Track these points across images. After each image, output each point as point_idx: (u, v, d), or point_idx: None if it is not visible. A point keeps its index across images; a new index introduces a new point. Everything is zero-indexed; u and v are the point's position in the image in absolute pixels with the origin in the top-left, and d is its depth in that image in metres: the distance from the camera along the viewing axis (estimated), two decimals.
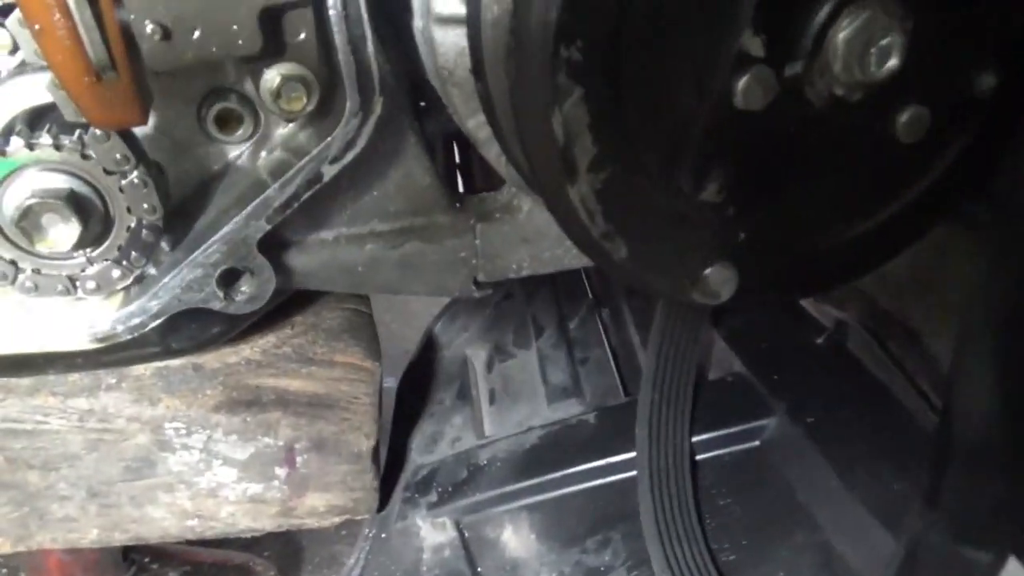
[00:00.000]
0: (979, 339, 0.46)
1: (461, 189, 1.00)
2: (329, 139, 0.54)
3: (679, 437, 0.84)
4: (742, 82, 0.38)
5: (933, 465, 0.46)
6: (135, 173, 0.53)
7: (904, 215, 0.49)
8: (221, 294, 0.57)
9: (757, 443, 0.86)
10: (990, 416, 0.43)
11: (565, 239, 0.67)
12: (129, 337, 0.62)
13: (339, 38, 0.52)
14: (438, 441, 1.07)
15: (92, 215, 0.54)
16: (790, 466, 0.82)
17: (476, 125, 0.53)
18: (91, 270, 0.59)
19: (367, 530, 1.02)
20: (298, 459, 0.91)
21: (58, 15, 0.45)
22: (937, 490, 0.46)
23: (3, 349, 0.72)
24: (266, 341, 0.91)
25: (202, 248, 0.55)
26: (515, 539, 0.91)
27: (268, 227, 0.56)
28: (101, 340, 0.65)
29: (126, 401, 0.83)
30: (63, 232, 0.52)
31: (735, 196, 0.42)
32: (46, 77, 0.50)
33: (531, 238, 0.66)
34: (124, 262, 0.57)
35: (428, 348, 1.22)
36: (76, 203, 0.52)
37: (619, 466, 0.90)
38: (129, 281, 0.59)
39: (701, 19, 0.37)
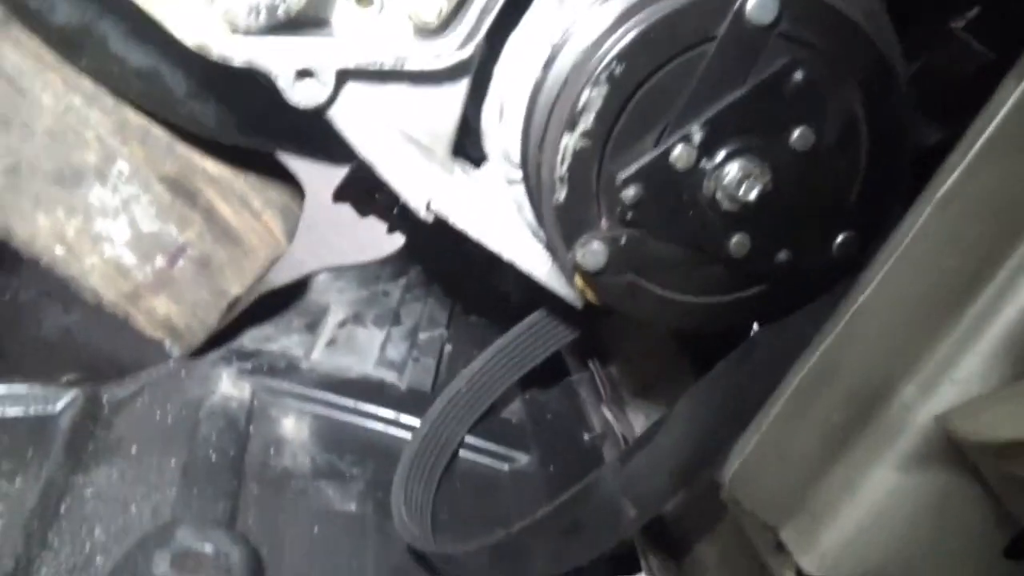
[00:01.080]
0: None
1: None
2: None
3: (459, 425, 1.05)
4: (676, 149, 0.67)
5: None
6: None
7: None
8: None
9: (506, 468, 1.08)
10: None
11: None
12: None
13: None
14: (270, 341, 1.22)
15: None
16: (517, 497, 1.05)
17: None
18: None
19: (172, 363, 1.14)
20: (179, 262, 1.06)
21: None
22: None
23: None
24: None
25: None
26: (290, 428, 1.07)
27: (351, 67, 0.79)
28: None
29: (106, 126, 0.98)
30: None
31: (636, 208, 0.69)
32: None
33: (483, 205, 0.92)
34: None
35: (301, 284, 1.39)
36: None
37: (403, 426, 1.09)
38: None
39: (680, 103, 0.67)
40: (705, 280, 0.75)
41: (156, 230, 1.04)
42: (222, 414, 1.04)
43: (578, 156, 0.68)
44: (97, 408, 1.03)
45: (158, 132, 1.01)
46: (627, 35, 0.66)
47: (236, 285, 1.09)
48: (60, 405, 1.01)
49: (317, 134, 1.10)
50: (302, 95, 0.79)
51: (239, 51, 0.76)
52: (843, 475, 0.61)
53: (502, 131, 0.85)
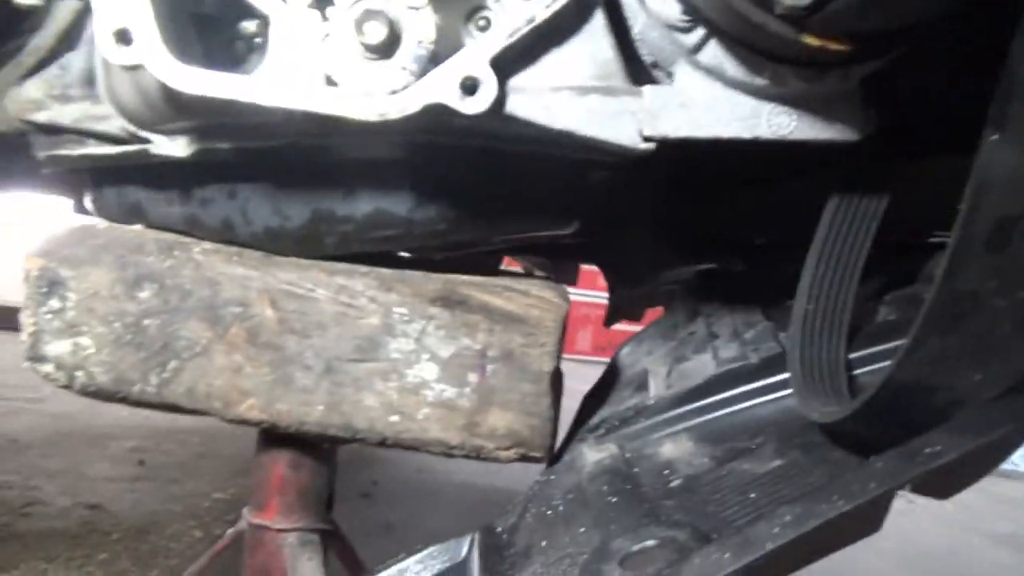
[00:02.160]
0: None
1: None
2: None
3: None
4: None
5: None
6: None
7: None
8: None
9: None
10: None
11: (715, 108, 0.88)
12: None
13: None
14: (611, 416, 1.18)
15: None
16: None
17: None
18: None
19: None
20: (488, 367, 1.08)
21: None
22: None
23: None
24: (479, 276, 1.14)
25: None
26: (672, 450, 0.99)
27: (497, 50, 0.83)
28: None
29: (371, 285, 1.09)
30: None
31: None
32: None
33: (687, 104, 0.87)
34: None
35: (612, 369, 1.36)
36: None
37: (776, 386, 0.97)
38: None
39: None
40: None
41: (454, 350, 1.08)
42: (602, 472, 0.99)
43: None
44: (495, 538, 1.02)
45: (412, 271, 1.10)
46: None
47: (546, 361, 1.09)
48: (463, 551, 1.01)
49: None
50: (474, 105, 0.84)
51: (412, 100, 0.83)
52: None
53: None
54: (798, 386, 0.85)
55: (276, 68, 0.88)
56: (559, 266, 1.87)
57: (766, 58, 0.80)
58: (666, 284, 1.61)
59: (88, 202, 1.21)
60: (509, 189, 1.09)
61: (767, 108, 0.86)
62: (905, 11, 0.65)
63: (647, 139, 0.87)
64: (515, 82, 0.86)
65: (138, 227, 1.16)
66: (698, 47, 0.83)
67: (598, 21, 0.88)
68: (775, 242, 1.40)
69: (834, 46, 0.68)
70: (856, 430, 0.72)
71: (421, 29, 0.83)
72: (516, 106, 0.86)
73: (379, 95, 0.83)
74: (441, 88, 0.83)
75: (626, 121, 0.87)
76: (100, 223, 1.19)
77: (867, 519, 0.58)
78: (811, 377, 0.83)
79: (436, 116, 0.84)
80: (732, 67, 0.83)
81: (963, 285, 0.54)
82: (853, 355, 0.91)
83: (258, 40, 0.94)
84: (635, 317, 1.90)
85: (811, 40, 0.68)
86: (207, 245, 1.12)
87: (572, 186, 1.12)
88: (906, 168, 1.01)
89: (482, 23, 0.89)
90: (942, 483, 0.59)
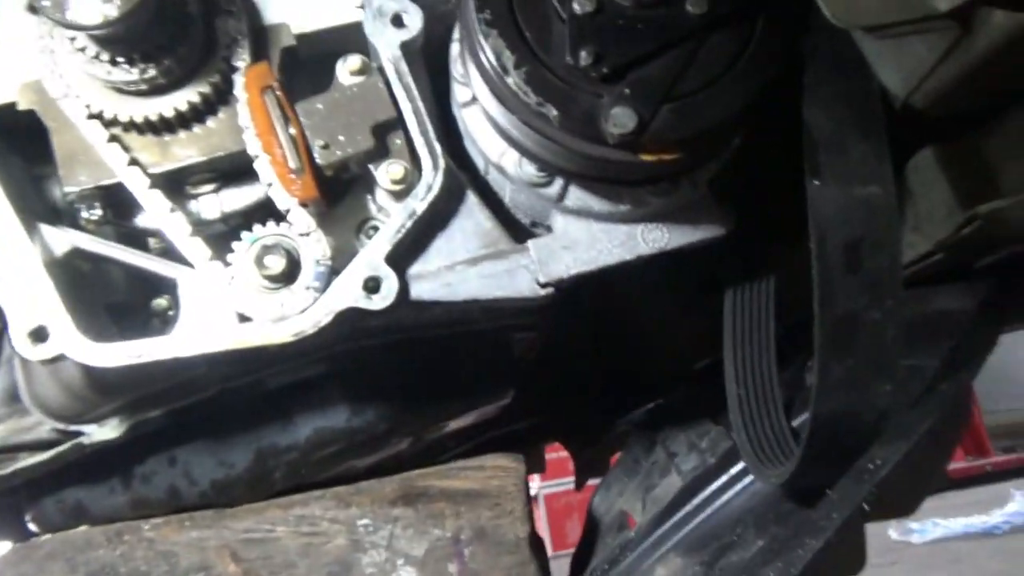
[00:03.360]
0: None
1: None
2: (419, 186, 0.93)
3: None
4: (575, 4, 0.77)
5: None
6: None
7: None
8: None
9: None
10: None
11: (595, 242, 0.97)
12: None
13: (417, 140, 0.94)
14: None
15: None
16: None
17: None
18: None
19: None
20: (465, 552, 1.08)
21: (276, 148, 0.91)
22: None
23: None
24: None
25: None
26: (664, 570, 0.99)
27: (389, 247, 0.92)
28: None
29: (329, 506, 1.08)
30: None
31: (603, 61, 0.76)
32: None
33: (570, 246, 0.97)
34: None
35: (589, 522, 1.36)
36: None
37: (739, 475, 1.00)
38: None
39: None
40: (713, 56, 0.79)
41: (427, 545, 1.07)
42: None
43: (531, 81, 0.77)
44: None
45: (363, 481, 1.10)
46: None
47: (519, 526, 1.09)
48: None
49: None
50: (381, 300, 0.91)
51: (323, 312, 0.90)
52: None
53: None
54: (752, 463, 0.89)
55: (191, 322, 0.94)
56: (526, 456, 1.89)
57: (623, 186, 0.91)
58: (620, 430, 1.65)
59: (28, 520, 1.19)
60: (439, 374, 1.14)
61: (640, 228, 0.97)
62: (710, 115, 0.77)
63: (544, 285, 0.96)
64: (413, 271, 0.95)
65: (83, 528, 1.14)
66: (562, 195, 0.94)
67: (471, 200, 0.98)
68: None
69: (668, 157, 0.79)
70: (813, 480, 0.75)
71: (316, 250, 0.92)
72: (420, 291, 0.94)
73: (291, 317, 0.89)
74: (347, 294, 0.90)
75: (520, 275, 0.95)
76: (43, 537, 1.16)
77: (847, 554, 0.61)
78: (761, 451, 0.87)
79: (350, 321, 0.91)
80: (597, 203, 0.94)
81: (839, 309, 0.61)
82: (795, 422, 0.96)
83: (171, 312, 1.01)
84: (602, 471, 1.91)
85: (648, 158, 0.79)
86: (156, 520, 1.11)
87: (499, 356, 1.18)
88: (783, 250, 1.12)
89: (371, 232, 0.98)
90: (897, 497, 0.62)
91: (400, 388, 1.08)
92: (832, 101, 0.67)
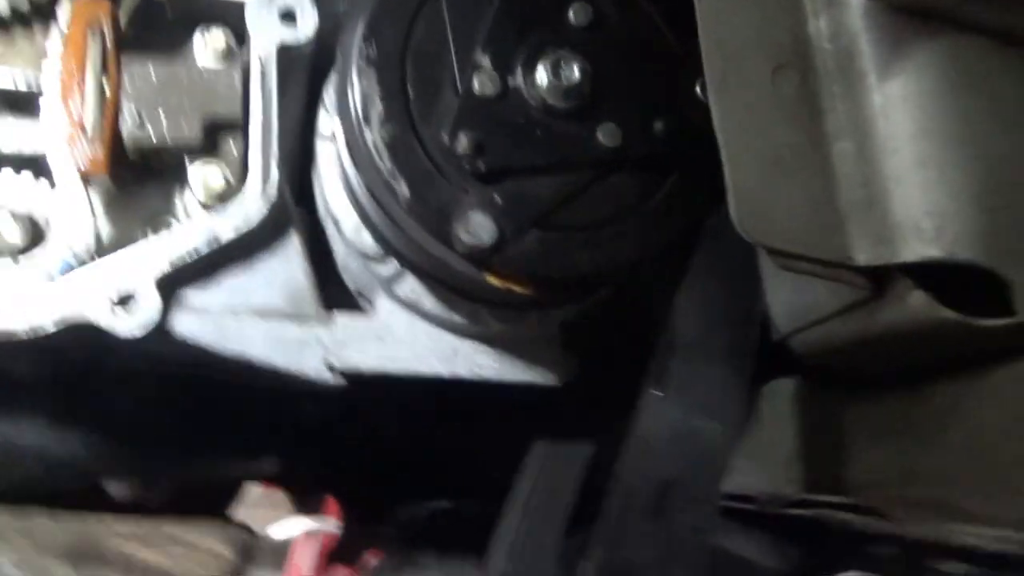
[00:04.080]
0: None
1: None
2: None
3: None
4: (475, 81, 0.64)
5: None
6: None
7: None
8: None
9: None
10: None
11: (413, 343, 0.83)
12: None
13: (254, 154, 0.78)
14: None
15: None
16: None
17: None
18: None
19: None
20: None
21: (76, 98, 0.73)
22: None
23: None
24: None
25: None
26: None
27: (167, 268, 0.74)
28: None
29: None
30: None
31: (483, 155, 0.63)
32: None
33: (383, 337, 0.82)
34: None
35: None
36: None
37: None
38: None
39: (451, 45, 0.64)
40: (607, 197, 0.68)
41: None
42: None
43: (392, 145, 0.64)
44: None
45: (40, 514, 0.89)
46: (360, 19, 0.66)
47: None
48: None
49: None
50: (129, 325, 0.73)
51: (47, 315, 0.71)
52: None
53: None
54: None
55: None
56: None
57: (461, 296, 0.78)
58: (398, 526, 1.49)
59: None
60: (193, 421, 0.96)
61: (467, 346, 0.84)
62: (581, 261, 0.66)
63: (333, 370, 0.80)
64: (188, 300, 0.77)
65: None
66: (394, 279, 0.80)
67: (293, 245, 0.82)
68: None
69: (518, 288, 0.67)
70: None
71: (74, 235, 0.73)
72: (186, 326, 0.76)
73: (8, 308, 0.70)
74: (86, 303, 0.71)
75: (311, 350, 0.80)
76: None
77: None
78: None
79: (85, 338, 0.72)
80: (430, 302, 0.80)
81: (622, 554, 0.50)
82: None
83: None
84: (351, 559, 1.73)
85: (494, 281, 0.66)
86: None
87: (275, 423, 1.01)
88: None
89: (163, 229, 0.80)
90: None
91: (130, 426, 0.89)
92: (708, 306, 0.58)
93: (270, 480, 1.61)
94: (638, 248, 0.66)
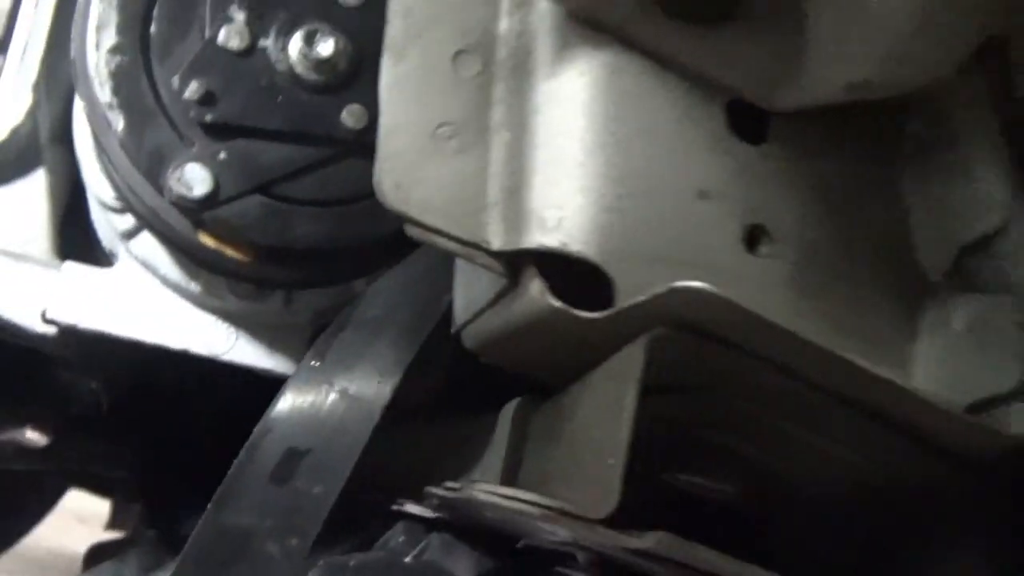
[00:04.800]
0: None
1: None
2: None
3: None
4: (222, 31, 0.63)
5: None
6: None
7: None
8: None
9: None
10: None
11: (145, 308, 0.80)
12: None
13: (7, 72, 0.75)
14: None
15: None
16: None
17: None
18: None
19: None
20: None
21: None
22: None
23: None
24: None
25: None
26: None
27: None
28: None
29: None
30: None
31: (213, 106, 0.62)
32: None
33: (114, 295, 0.78)
34: None
35: None
36: None
37: None
38: None
39: None
40: (340, 178, 0.67)
41: None
42: None
43: (116, 74, 0.62)
44: None
45: None
46: None
47: None
48: None
49: None
50: None
51: None
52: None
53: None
54: None
55: None
56: None
57: (197, 263, 0.75)
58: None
59: None
60: None
61: (205, 320, 0.81)
62: (303, 233, 0.65)
63: (49, 322, 0.76)
64: None
65: None
66: (131, 234, 0.76)
67: (37, 182, 0.79)
68: None
69: (231, 252, 0.65)
70: None
71: None
72: None
73: None
74: None
75: (24, 293, 0.75)
76: None
77: None
78: None
79: None
80: (167, 266, 0.77)
81: (236, 519, 0.48)
82: None
83: None
84: None
85: (207, 240, 0.64)
86: None
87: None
88: None
89: None
90: None
91: None
92: (397, 290, 0.57)
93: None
94: (364, 231, 0.66)
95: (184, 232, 0.65)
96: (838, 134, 0.51)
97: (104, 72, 0.62)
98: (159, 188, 0.62)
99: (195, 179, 0.62)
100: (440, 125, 0.45)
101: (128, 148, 0.62)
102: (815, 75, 0.47)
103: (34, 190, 0.79)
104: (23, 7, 0.77)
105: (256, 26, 0.65)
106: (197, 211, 0.62)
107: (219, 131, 0.63)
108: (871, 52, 0.44)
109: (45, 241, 0.78)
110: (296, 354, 0.85)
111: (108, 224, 0.79)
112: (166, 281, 0.79)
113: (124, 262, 0.80)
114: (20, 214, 0.78)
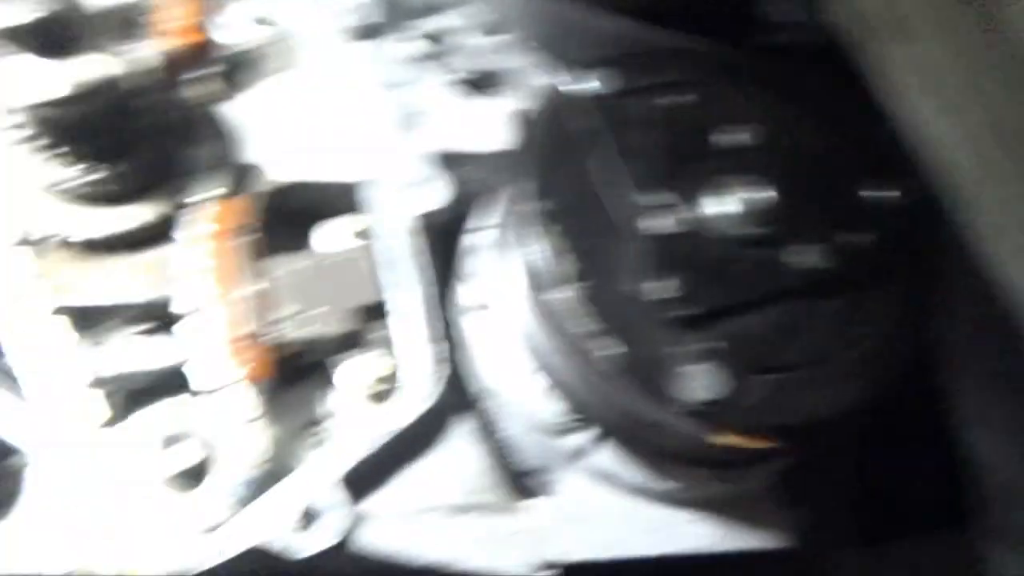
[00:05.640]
0: None
1: None
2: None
3: None
4: (656, 219, 0.58)
5: None
6: None
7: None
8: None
9: None
10: None
11: (614, 524, 0.73)
12: None
13: (406, 336, 0.73)
14: None
15: None
16: None
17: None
18: None
19: None
20: None
21: (237, 303, 0.70)
22: None
23: None
24: None
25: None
26: None
27: (347, 467, 0.68)
28: None
29: None
30: None
31: (690, 298, 0.56)
32: None
33: (576, 519, 0.72)
34: None
35: None
36: None
37: None
38: None
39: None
40: (820, 327, 0.59)
41: None
42: None
43: (596, 296, 0.57)
44: None
45: None
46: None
47: None
48: None
49: None
50: (314, 540, 0.66)
51: (227, 543, 0.64)
52: None
53: None
54: None
55: None
56: None
57: (674, 460, 0.68)
58: None
59: None
60: None
61: (682, 517, 0.73)
62: (815, 407, 0.56)
63: (540, 565, 0.70)
64: (365, 507, 0.70)
65: None
66: (586, 450, 0.71)
67: (460, 429, 0.75)
68: None
69: (745, 443, 0.57)
70: None
71: (248, 447, 0.68)
72: (370, 539, 0.69)
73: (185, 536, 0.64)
74: (271, 524, 0.65)
75: (511, 545, 0.70)
76: None
77: None
78: None
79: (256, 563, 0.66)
80: (631, 472, 0.70)
81: None
82: None
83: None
84: None
85: (716, 438, 0.57)
86: None
87: None
88: None
89: (313, 439, 0.74)
90: None
91: None
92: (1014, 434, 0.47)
93: None
94: (870, 381, 0.57)
95: (686, 433, 0.58)
96: None
97: (584, 302, 0.57)
98: (659, 400, 0.56)
99: (705, 381, 0.55)
100: None
101: (624, 370, 0.56)
102: None
103: (459, 439, 0.76)
104: (396, 267, 0.76)
105: (684, 202, 0.60)
106: (715, 413, 0.55)
107: (697, 323, 0.57)
108: None
109: (493, 485, 0.74)
110: (766, 527, 0.76)
111: (546, 447, 0.74)
112: (628, 488, 0.73)
113: (570, 480, 0.74)
114: (457, 466, 0.75)
